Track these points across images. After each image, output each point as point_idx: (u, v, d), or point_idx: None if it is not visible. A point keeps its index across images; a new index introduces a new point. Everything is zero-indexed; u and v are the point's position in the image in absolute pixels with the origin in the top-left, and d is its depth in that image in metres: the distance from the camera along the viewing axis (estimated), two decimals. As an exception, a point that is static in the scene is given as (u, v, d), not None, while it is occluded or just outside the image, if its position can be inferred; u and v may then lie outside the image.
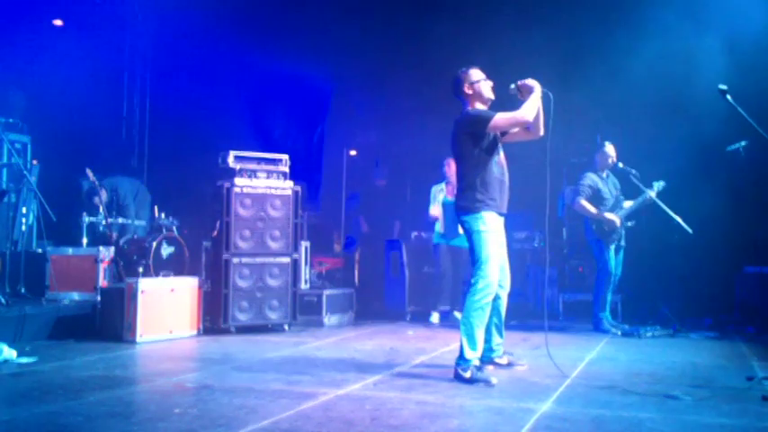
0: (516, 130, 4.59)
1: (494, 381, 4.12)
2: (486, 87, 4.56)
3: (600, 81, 7.65)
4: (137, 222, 7.83)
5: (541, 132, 4.59)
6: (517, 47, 7.91)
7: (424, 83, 8.79)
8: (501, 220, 4.52)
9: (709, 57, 7.10)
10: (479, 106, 4.53)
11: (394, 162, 10.28)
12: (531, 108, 4.38)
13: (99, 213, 7.36)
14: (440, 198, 7.75)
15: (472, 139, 4.41)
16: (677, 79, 7.44)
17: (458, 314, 7.44)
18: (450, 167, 7.70)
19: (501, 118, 4.36)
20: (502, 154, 4.58)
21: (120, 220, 7.65)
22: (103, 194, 7.70)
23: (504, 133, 4.59)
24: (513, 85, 4.51)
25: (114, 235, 7.24)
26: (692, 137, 7.38)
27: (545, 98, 4.46)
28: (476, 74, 4.56)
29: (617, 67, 7.60)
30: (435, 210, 7.73)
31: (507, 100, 4.54)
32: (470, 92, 4.53)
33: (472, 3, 8.79)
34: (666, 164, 7.17)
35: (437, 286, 7.81)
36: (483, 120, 4.38)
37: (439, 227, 7.76)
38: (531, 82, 4.45)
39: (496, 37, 8.25)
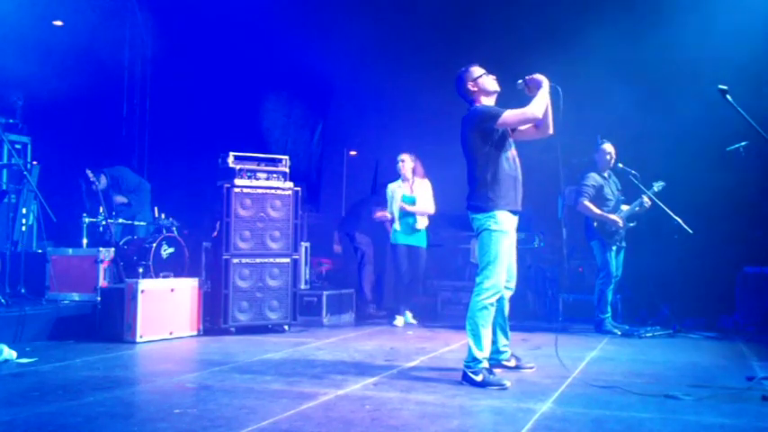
0: (526, 127, 4.46)
1: (507, 384, 4.02)
2: (489, 81, 4.45)
3: (600, 80, 7.64)
4: (137, 223, 7.82)
5: (551, 130, 4.46)
6: (516, 45, 7.91)
7: (426, 83, 8.79)
8: (515, 219, 4.40)
9: (709, 55, 7.10)
10: (486, 101, 4.44)
11: (390, 162, 10.24)
12: (541, 103, 4.26)
13: (99, 214, 7.36)
14: (399, 196, 7.47)
15: (482, 136, 4.31)
16: (677, 79, 7.43)
17: (411, 318, 7.45)
18: (405, 164, 7.51)
19: (510, 114, 4.25)
20: (513, 149, 4.46)
21: (121, 220, 7.65)
22: (102, 180, 7.69)
23: (513, 130, 4.48)
24: (520, 81, 4.40)
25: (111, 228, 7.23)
26: (691, 136, 7.38)
27: (554, 93, 4.34)
28: (476, 70, 4.47)
29: (617, 65, 7.60)
30: (394, 208, 7.48)
31: (513, 97, 4.44)
32: (474, 89, 4.44)
33: (473, 3, 8.78)
34: (666, 164, 7.17)
35: (400, 287, 7.53)
36: (492, 116, 4.27)
37: (396, 226, 7.48)
38: (538, 77, 4.33)
39: (496, 35, 8.24)
